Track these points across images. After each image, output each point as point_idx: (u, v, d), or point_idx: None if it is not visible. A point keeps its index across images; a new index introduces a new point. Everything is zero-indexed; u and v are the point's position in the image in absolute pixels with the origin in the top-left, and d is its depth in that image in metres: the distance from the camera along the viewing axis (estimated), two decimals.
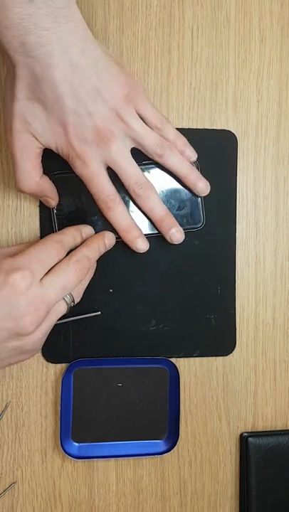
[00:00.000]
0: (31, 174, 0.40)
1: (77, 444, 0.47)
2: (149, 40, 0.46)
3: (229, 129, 0.48)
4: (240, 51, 0.48)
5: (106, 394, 0.47)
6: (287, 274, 0.50)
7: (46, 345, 0.46)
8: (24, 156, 0.39)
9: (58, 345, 0.46)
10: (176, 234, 0.44)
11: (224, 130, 0.48)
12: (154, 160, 0.43)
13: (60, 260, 0.39)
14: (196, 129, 0.47)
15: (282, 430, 0.50)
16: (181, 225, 0.45)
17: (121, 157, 0.41)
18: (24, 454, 0.47)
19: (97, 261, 0.45)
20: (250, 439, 0.48)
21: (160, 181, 0.45)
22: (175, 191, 0.45)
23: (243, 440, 0.49)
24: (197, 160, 0.47)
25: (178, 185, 0.45)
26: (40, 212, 0.45)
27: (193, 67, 0.47)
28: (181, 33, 0.47)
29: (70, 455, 0.46)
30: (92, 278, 0.46)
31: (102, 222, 0.44)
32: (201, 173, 0.47)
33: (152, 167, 0.44)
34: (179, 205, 0.45)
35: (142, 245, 0.44)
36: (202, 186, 0.45)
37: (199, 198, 0.46)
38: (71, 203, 0.44)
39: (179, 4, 0.46)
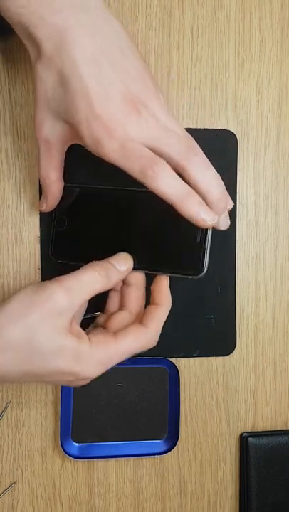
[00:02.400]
0: (52, 169, 0.39)
1: (77, 444, 0.47)
2: (149, 40, 0.46)
3: (229, 129, 0.48)
4: (240, 51, 0.48)
5: (106, 394, 0.47)
6: (287, 274, 0.50)
7: None
8: (47, 150, 0.38)
9: None
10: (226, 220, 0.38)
11: (224, 130, 0.48)
12: (177, 164, 0.35)
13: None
14: (196, 129, 0.47)
15: (282, 430, 0.50)
16: (176, 270, 0.39)
17: (158, 130, 0.35)
18: (24, 454, 0.47)
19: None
20: (250, 439, 0.48)
21: (154, 213, 0.39)
22: (173, 227, 0.39)
23: (243, 440, 0.49)
24: None
25: (177, 220, 0.36)
26: (40, 212, 0.45)
27: (193, 67, 0.47)
28: (181, 33, 0.47)
29: (70, 455, 0.46)
30: None
31: (103, 243, 0.41)
32: None
33: (145, 195, 0.37)
34: (178, 244, 0.39)
35: (210, 217, 0.36)
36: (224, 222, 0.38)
37: (207, 240, 0.38)
38: (73, 217, 0.42)
39: (179, 4, 0.46)
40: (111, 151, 0.34)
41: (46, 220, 0.45)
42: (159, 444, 0.48)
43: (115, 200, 0.41)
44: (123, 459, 0.48)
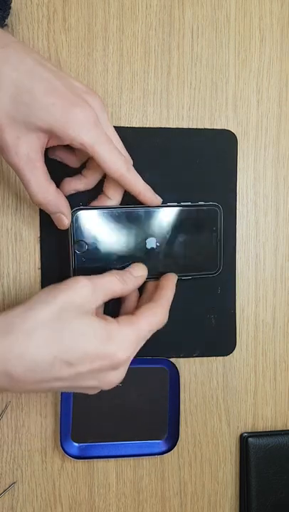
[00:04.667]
0: (46, 185, 0.38)
1: (77, 444, 0.47)
2: (149, 40, 0.46)
3: (229, 129, 0.48)
4: (240, 51, 0.48)
5: (106, 394, 0.47)
6: (287, 274, 0.50)
7: None
8: (33, 169, 0.37)
9: None
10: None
11: (224, 130, 0.48)
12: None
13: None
14: (196, 129, 0.47)
15: (282, 430, 0.50)
16: (196, 271, 0.45)
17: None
18: (24, 454, 0.47)
19: None
20: (250, 439, 0.48)
21: (181, 224, 0.44)
22: (195, 234, 0.44)
23: (243, 440, 0.49)
24: (197, 160, 0.47)
25: (198, 228, 0.44)
26: (40, 212, 0.45)
27: (193, 67, 0.47)
28: (181, 33, 0.47)
29: (70, 455, 0.46)
30: None
31: (126, 260, 0.43)
32: (201, 173, 0.47)
33: (174, 210, 0.44)
34: (198, 249, 0.44)
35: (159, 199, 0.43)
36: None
37: (218, 243, 0.45)
38: (92, 240, 0.42)
39: (179, 4, 0.46)
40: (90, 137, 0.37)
41: (46, 220, 0.45)
42: (159, 444, 0.48)
43: (132, 219, 0.43)
44: (123, 459, 0.48)
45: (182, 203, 0.44)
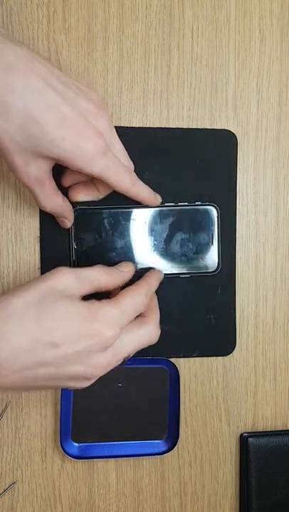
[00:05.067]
0: (53, 198, 0.40)
1: (77, 444, 0.47)
2: (149, 40, 0.46)
3: (229, 129, 0.48)
4: (240, 51, 0.48)
5: (106, 394, 0.47)
6: (287, 274, 0.50)
7: None
8: (41, 187, 0.38)
9: None
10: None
11: (224, 130, 0.48)
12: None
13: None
14: (196, 129, 0.47)
15: (282, 430, 0.50)
16: (195, 269, 0.46)
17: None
18: (24, 454, 0.47)
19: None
20: (250, 439, 0.48)
21: (179, 223, 0.45)
22: (193, 234, 0.46)
23: (243, 440, 0.49)
24: (197, 160, 0.47)
25: (196, 228, 0.46)
26: (40, 212, 0.45)
27: (193, 67, 0.47)
28: (181, 33, 0.47)
29: (70, 455, 0.46)
30: None
31: (119, 260, 0.44)
32: (201, 173, 0.47)
33: (172, 210, 0.45)
34: (197, 248, 0.46)
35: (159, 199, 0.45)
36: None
37: (216, 242, 0.46)
38: (91, 238, 0.44)
39: (179, 4, 0.46)
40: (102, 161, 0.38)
41: (46, 220, 0.45)
42: (159, 444, 0.48)
43: (131, 218, 0.44)
44: (123, 459, 0.48)
45: (180, 203, 0.45)
